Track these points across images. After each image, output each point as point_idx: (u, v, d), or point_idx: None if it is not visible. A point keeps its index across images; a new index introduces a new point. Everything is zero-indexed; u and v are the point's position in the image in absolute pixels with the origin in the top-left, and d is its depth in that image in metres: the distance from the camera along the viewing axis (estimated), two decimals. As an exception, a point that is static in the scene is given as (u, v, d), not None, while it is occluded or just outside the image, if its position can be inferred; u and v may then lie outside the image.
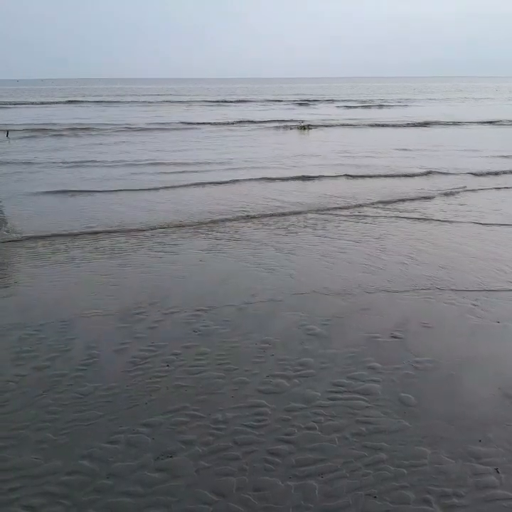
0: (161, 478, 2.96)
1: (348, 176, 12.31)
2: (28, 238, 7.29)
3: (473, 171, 12.81)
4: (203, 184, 11.17)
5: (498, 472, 3.00)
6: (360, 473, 2.98)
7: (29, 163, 13.81)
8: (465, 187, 11.02)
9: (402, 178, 12.09)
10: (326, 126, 25.88)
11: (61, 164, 13.83)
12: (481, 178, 12.09)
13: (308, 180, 11.98)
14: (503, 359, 4.25)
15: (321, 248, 7.00)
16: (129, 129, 23.13)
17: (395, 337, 4.56)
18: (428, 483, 2.92)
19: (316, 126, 25.30)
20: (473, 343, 4.50)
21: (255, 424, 3.39)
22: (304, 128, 24.75)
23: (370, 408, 3.57)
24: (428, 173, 12.60)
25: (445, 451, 3.17)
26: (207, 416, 3.48)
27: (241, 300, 5.36)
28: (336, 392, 3.74)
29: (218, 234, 7.70)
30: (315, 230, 7.92)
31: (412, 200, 9.81)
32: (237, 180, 11.61)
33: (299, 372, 3.99)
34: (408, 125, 26.39)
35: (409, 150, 17.09)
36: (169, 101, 48.87)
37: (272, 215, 8.71)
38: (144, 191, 10.56)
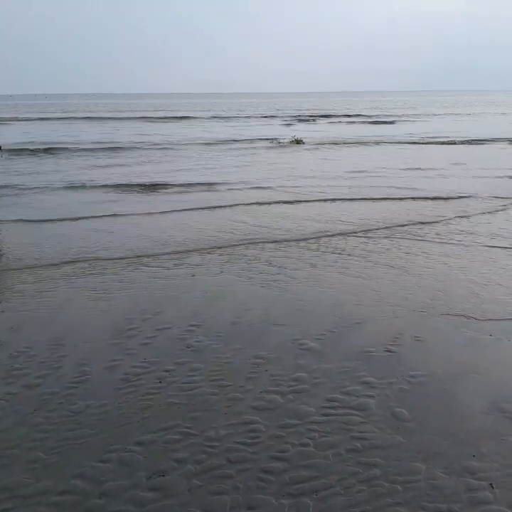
0: (153, 497, 2.92)
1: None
2: (25, 267, 6.99)
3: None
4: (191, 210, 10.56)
5: (492, 487, 2.98)
6: (354, 490, 2.95)
7: (18, 187, 13.20)
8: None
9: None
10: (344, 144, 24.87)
11: (62, 186, 13.37)
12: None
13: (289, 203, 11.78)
14: (496, 372, 4.25)
15: (314, 262, 7.01)
16: (116, 148, 22.33)
17: (388, 351, 4.55)
18: (422, 499, 2.90)
19: (337, 144, 24.42)
20: (466, 357, 4.49)
21: (249, 441, 3.36)
22: (297, 142, 24.92)
23: (364, 424, 3.55)
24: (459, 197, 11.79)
25: (439, 466, 3.15)
26: (200, 433, 3.45)
27: (234, 315, 5.34)
28: (330, 407, 3.72)
29: (213, 249, 7.70)
30: (308, 242, 7.94)
31: (409, 225, 9.49)
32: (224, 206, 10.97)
33: (292, 388, 3.96)
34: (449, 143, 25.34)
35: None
36: (170, 117, 48.64)
37: (265, 242, 8.64)
38: (134, 216, 10.25)
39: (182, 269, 6.78)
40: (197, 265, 6.93)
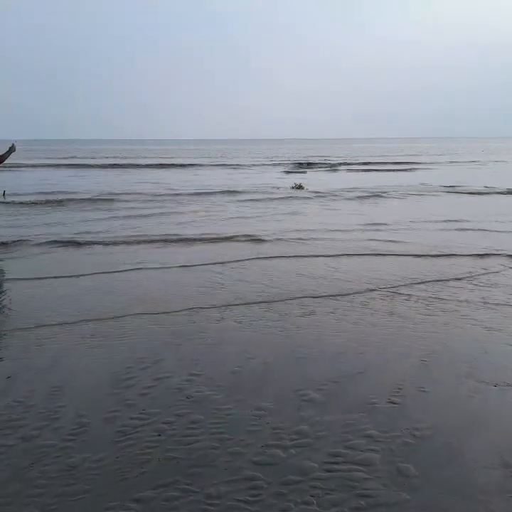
0: (151, 560, 2.81)
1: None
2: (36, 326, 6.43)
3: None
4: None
5: (503, 550, 2.88)
6: (360, 553, 2.85)
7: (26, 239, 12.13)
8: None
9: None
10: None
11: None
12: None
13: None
14: (501, 425, 4.17)
15: (313, 309, 6.98)
16: (109, 199, 20.88)
17: (391, 402, 4.47)
18: (431, 563, 2.79)
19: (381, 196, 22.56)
20: (470, 408, 4.42)
21: (250, 499, 3.26)
22: (299, 187, 25.08)
23: (368, 480, 3.45)
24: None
25: (447, 526, 3.06)
26: (200, 490, 3.34)
27: (235, 363, 5.28)
28: (334, 462, 3.63)
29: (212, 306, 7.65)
30: (310, 297, 7.92)
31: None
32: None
33: (294, 442, 3.87)
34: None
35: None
36: (174, 164, 48.74)
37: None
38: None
39: (182, 316, 6.73)
40: (197, 311, 6.89)
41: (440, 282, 8.45)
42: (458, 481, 3.46)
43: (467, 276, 8.81)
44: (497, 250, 10.87)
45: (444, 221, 15.15)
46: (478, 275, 8.91)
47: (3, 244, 11.39)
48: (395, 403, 4.47)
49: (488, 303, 7.30)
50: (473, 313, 6.83)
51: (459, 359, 5.38)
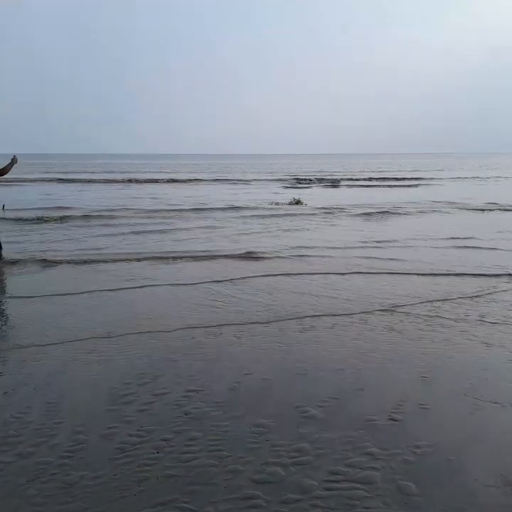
0: None
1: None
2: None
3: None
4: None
5: None
6: None
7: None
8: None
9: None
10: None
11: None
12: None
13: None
14: (503, 442, 4.13)
15: (313, 324, 6.95)
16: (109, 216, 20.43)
17: (392, 419, 4.44)
18: None
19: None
20: (471, 426, 4.38)
21: (249, 518, 3.23)
22: (297, 203, 25.10)
23: (369, 498, 3.41)
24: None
25: (449, 546, 3.01)
26: (198, 509, 3.29)
27: (233, 379, 5.25)
28: (334, 481, 3.58)
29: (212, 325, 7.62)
30: (310, 316, 7.90)
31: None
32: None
33: (294, 459, 3.82)
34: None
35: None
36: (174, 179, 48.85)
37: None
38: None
39: (181, 333, 6.70)
40: (195, 327, 6.87)
41: (446, 301, 8.27)
42: (459, 499, 3.42)
43: (475, 295, 8.60)
44: (506, 269, 10.66)
45: (451, 238, 14.82)
46: (487, 294, 8.69)
47: (3, 260, 11.36)
48: (395, 420, 4.43)
49: (489, 322, 7.18)
50: (474, 329, 6.82)
51: (459, 376, 5.35)
